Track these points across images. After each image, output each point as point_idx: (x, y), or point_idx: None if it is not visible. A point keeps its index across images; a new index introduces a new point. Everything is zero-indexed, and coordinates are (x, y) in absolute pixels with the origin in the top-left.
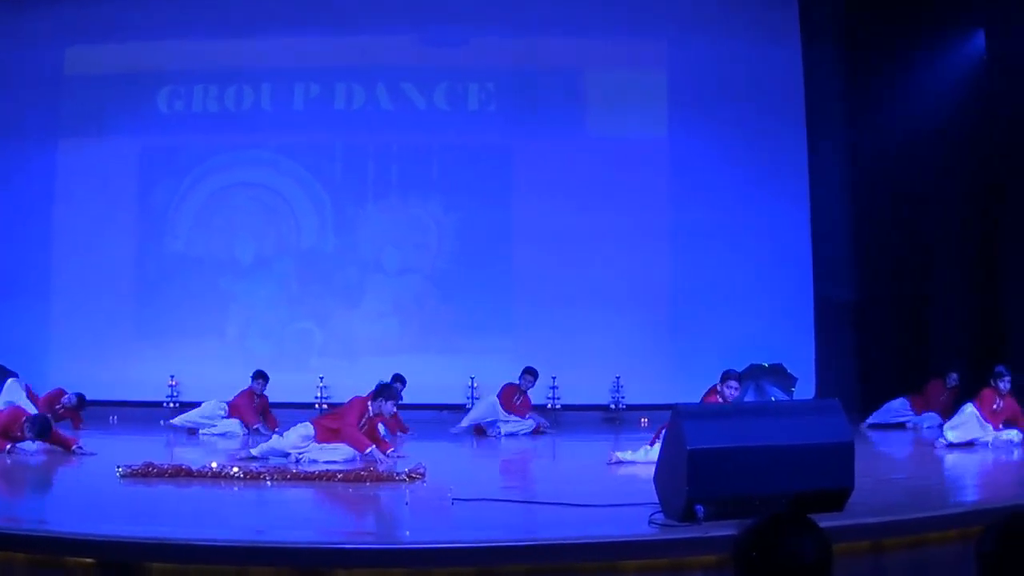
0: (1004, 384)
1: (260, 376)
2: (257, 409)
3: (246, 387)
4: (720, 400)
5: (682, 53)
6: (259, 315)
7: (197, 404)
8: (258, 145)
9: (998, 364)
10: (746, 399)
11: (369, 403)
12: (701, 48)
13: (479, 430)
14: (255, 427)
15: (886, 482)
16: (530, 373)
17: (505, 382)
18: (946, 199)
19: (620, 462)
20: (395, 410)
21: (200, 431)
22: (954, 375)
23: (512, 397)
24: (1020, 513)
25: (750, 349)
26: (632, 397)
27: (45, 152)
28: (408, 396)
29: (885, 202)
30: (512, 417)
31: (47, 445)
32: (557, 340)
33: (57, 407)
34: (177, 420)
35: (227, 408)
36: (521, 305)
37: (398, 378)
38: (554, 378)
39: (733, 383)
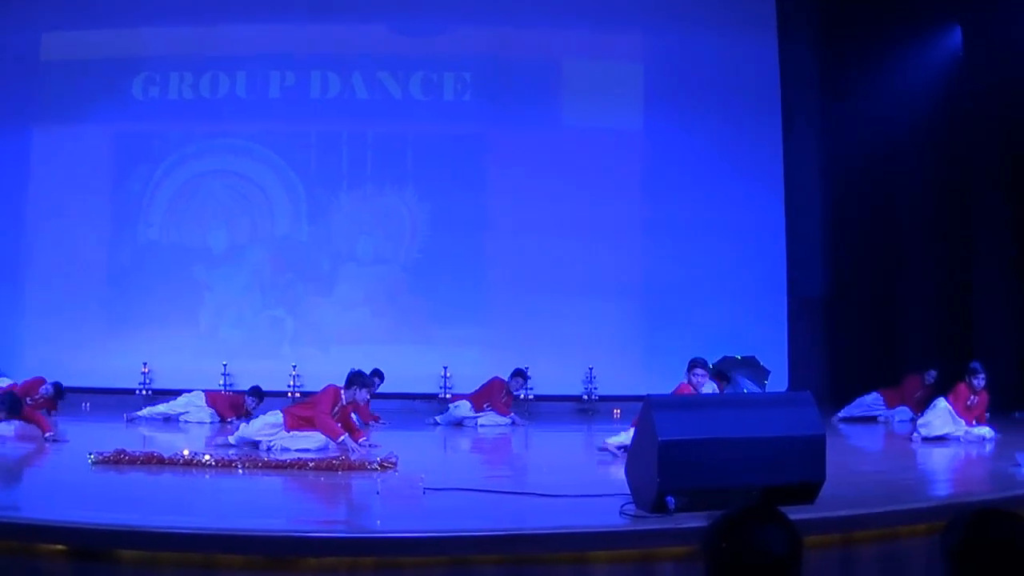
0: (978, 381)
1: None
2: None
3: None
4: (691, 390)
5: (658, 44)
6: (232, 303)
7: (170, 391)
8: (233, 133)
9: (973, 360)
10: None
11: (342, 391)
12: (677, 39)
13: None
14: (229, 420)
15: (857, 475)
16: (520, 375)
17: (492, 374)
18: (919, 194)
19: (609, 448)
20: (368, 398)
21: (180, 417)
22: (933, 372)
23: (499, 393)
24: (986, 511)
25: (723, 341)
26: (605, 388)
27: (20, 138)
28: (381, 386)
29: (859, 196)
30: (490, 411)
31: (22, 430)
32: (531, 330)
33: (36, 396)
34: (145, 412)
35: (205, 397)
36: (495, 295)
37: (376, 373)
38: (527, 368)
39: (700, 371)
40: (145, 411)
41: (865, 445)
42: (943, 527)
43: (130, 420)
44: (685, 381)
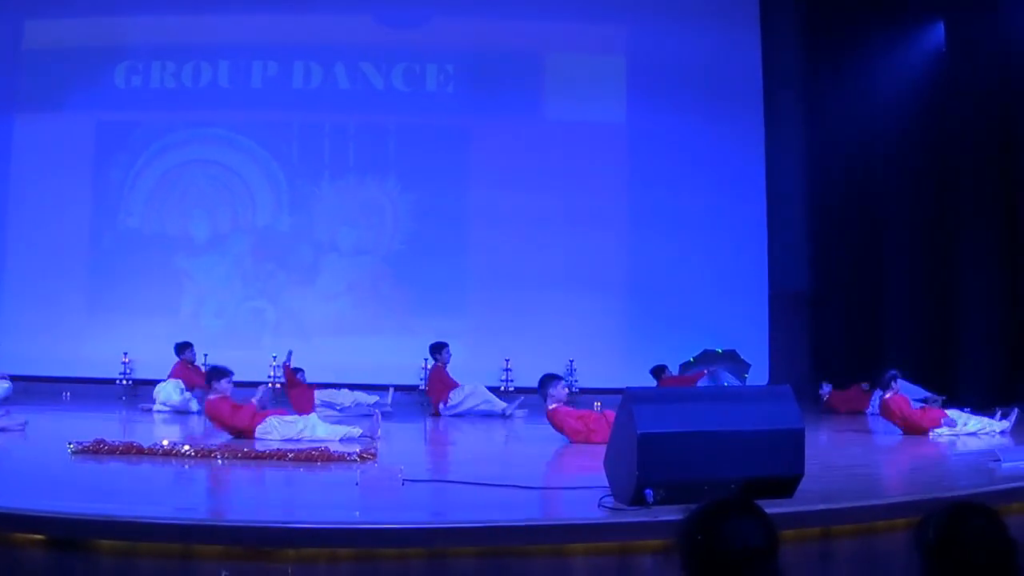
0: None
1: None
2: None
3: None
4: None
5: (641, 37)
6: (213, 293)
7: (150, 381)
8: (215, 122)
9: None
10: (699, 384)
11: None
12: (660, 32)
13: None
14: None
15: (835, 469)
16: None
17: (473, 366)
18: (901, 189)
19: None
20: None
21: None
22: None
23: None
24: (961, 505)
25: (704, 334)
26: (585, 381)
27: (1, 125)
28: (361, 377)
29: (841, 191)
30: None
31: None
32: (511, 323)
33: None
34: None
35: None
36: (476, 287)
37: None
38: (507, 360)
39: (560, 383)
40: (158, 405)
41: (844, 440)
42: (917, 522)
43: (146, 411)
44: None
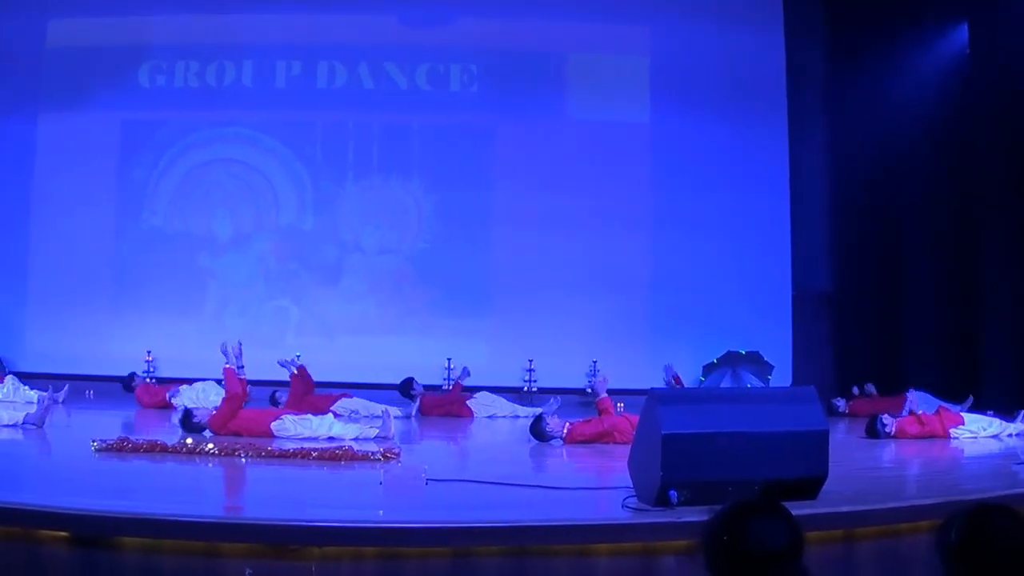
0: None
1: None
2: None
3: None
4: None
5: (665, 37)
6: (236, 292)
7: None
8: (239, 122)
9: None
10: (722, 386)
11: None
12: (684, 33)
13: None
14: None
15: (859, 471)
16: None
17: (495, 366)
18: (925, 190)
19: None
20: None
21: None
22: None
23: None
24: (984, 506)
25: (727, 336)
26: (609, 381)
27: (25, 125)
28: (383, 376)
29: (865, 192)
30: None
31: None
32: (535, 323)
33: None
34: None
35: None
36: (499, 287)
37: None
38: (531, 361)
39: (544, 419)
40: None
41: (866, 442)
42: (940, 524)
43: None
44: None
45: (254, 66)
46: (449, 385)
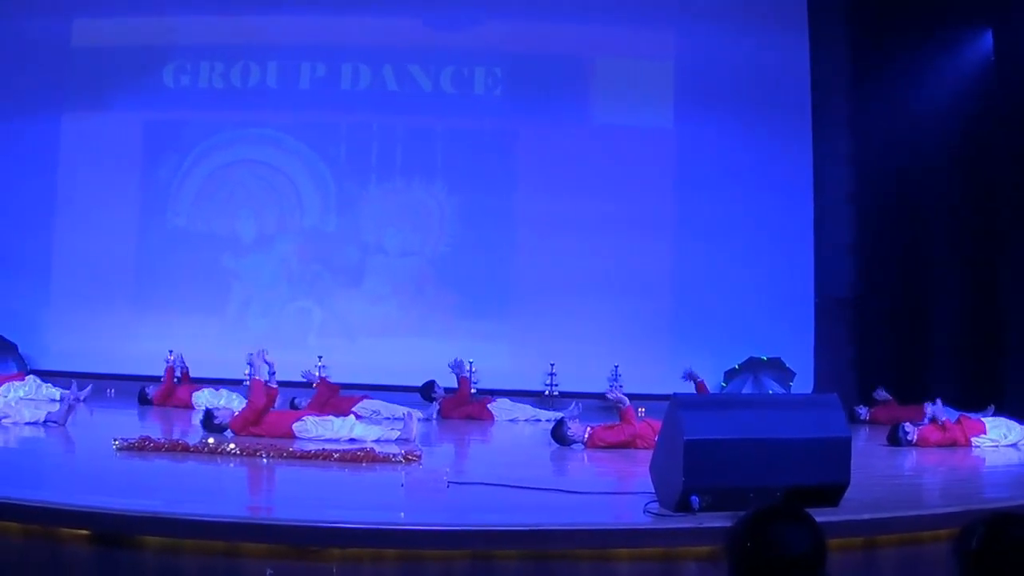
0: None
1: None
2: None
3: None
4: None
5: (690, 43)
6: (259, 293)
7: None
8: (263, 123)
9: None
10: (743, 392)
11: None
12: (709, 38)
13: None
14: None
15: (880, 479)
16: None
17: (518, 370)
18: (949, 197)
19: None
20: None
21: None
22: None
23: None
24: (1003, 514)
25: (749, 342)
26: (630, 386)
27: (49, 124)
28: (404, 378)
29: (888, 199)
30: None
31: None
32: (556, 327)
33: None
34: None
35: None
36: (521, 291)
37: None
38: (552, 365)
39: (566, 424)
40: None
41: (888, 449)
42: (959, 531)
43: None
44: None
45: (279, 67)
46: (473, 388)
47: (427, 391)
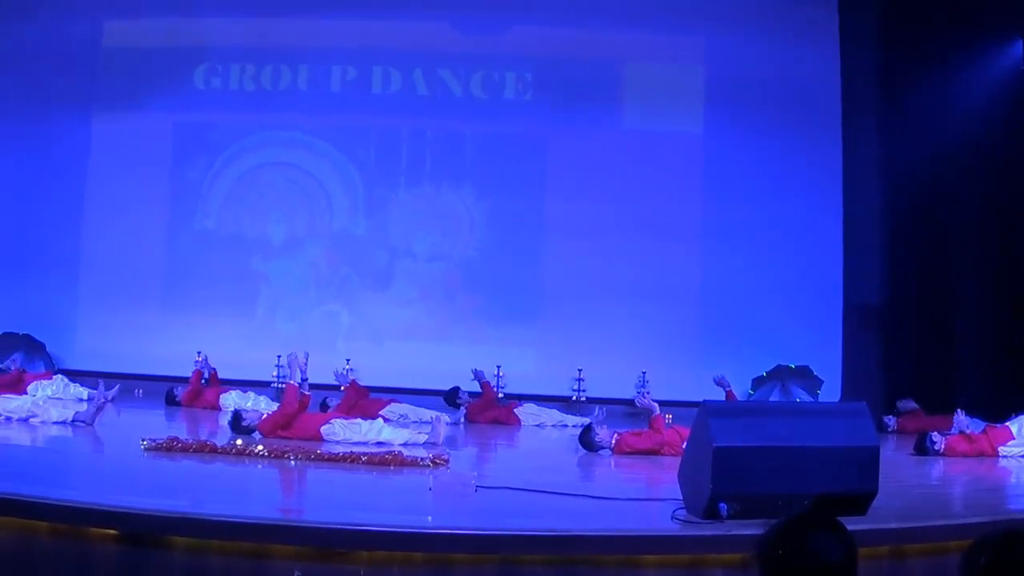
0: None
1: None
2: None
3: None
4: None
5: (720, 50)
6: (287, 295)
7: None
8: (293, 126)
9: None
10: (771, 400)
11: None
12: (738, 44)
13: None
14: None
15: (908, 488)
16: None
17: (545, 374)
18: (978, 206)
19: None
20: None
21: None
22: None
23: None
24: (1014, 531)
25: (777, 349)
26: (657, 393)
27: (80, 125)
28: (433, 383)
29: (917, 207)
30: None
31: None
32: (584, 332)
33: None
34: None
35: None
36: (550, 296)
37: None
38: (580, 370)
39: (593, 429)
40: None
41: (915, 459)
42: (968, 546)
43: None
44: None
45: (309, 70)
46: (500, 393)
47: (452, 397)
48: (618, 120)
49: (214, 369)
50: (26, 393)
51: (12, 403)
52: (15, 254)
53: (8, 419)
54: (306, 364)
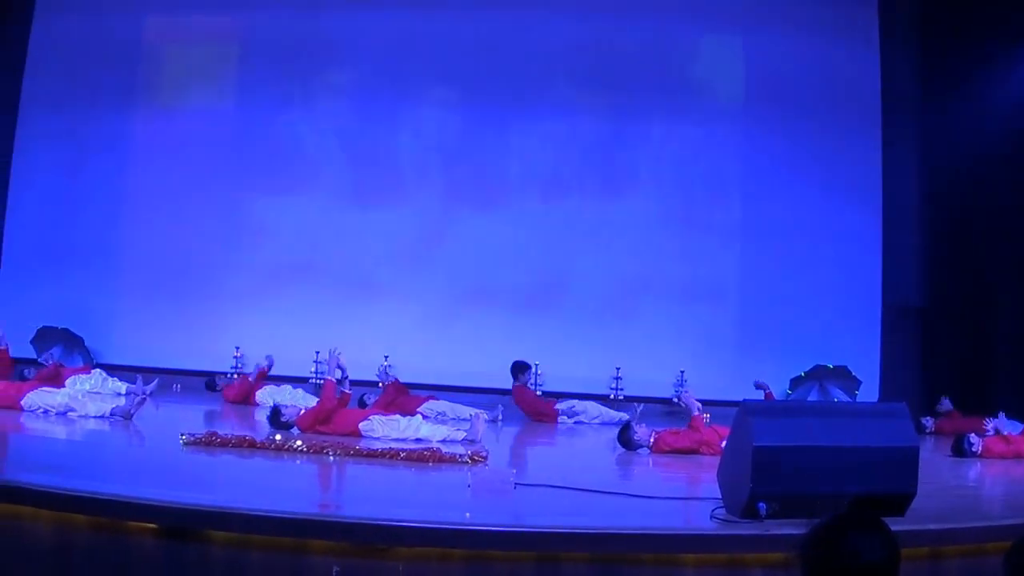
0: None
1: None
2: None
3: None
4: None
5: (759, 49)
6: (325, 290)
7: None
8: (331, 119)
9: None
10: (809, 400)
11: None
12: (777, 44)
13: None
14: None
15: (946, 489)
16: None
17: (582, 372)
18: (1019, 208)
19: None
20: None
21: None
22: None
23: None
24: None
25: (815, 349)
26: (695, 392)
27: (119, 119)
28: (470, 380)
29: (957, 206)
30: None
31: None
32: (622, 331)
33: None
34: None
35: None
36: (587, 295)
37: None
38: (618, 369)
39: (632, 428)
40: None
41: (953, 460)
42: (1010, 546)
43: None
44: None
45: (346, 63)
46: (538, 390)
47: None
48: (655, 117)
49: (265, 367)
50: (64, 387)
51: (51, 397)
52: (55, 248)
53: (46, 412)
54: (344, 367)
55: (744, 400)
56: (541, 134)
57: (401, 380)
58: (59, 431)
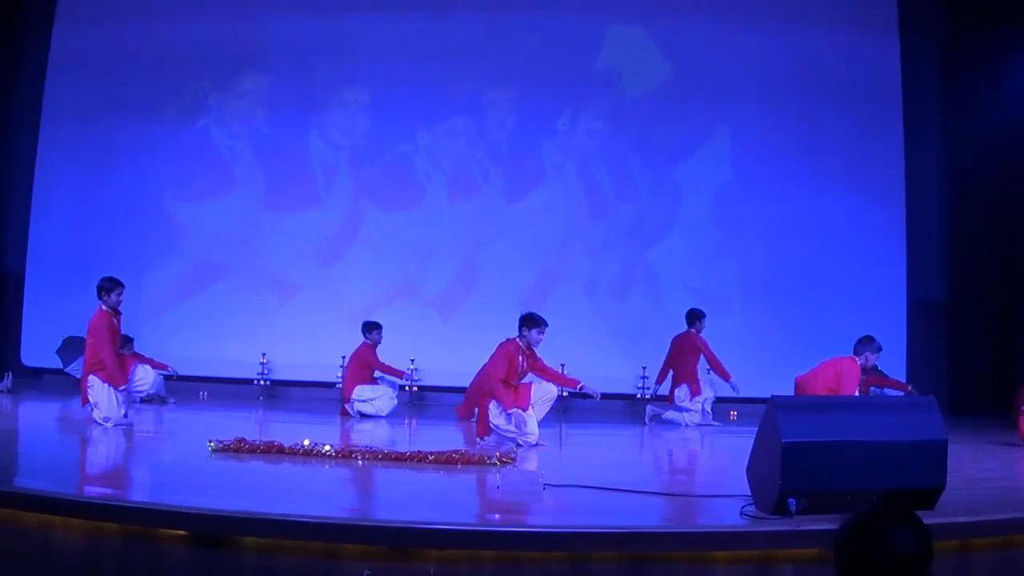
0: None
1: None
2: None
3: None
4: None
5: (780, 44)
6: (362, 297)
7: (287, 383)
8: (355, 127)
9: None
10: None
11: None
12: (798, 39)
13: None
14: None
15: (974, 482)
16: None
17: (609, 372)
18: None
19: None
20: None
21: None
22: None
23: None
24: None
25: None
26: (722, 390)
27: (145, 128)
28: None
29: (982, 201)
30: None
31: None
32: (648, 330)
33: None
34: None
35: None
36: (616, 295)
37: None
38: (644, 367)
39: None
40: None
41: (982, 452)
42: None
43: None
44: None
45: (368, 69)
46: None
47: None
48: (676, 114)
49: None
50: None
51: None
52: (83, 259)
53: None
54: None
55: (772, 396)
56: (567, 137)
57: (429, 383)
58: (89, 439)
